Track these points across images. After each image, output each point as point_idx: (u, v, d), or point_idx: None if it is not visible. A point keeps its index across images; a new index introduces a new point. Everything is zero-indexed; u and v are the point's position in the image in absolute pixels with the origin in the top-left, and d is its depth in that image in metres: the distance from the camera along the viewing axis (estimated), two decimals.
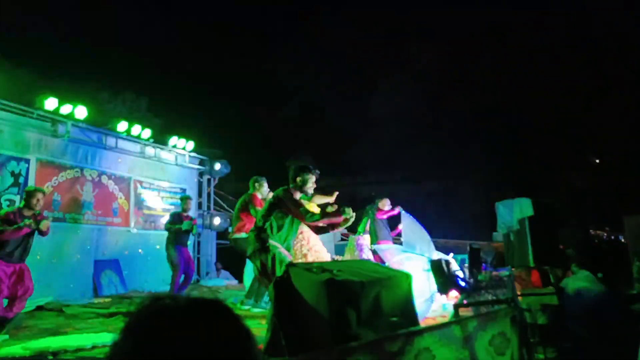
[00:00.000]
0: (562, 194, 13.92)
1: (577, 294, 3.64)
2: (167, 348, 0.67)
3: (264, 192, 6.50)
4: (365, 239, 7.85)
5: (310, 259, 5.30)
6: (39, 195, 5.25)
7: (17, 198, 6.71)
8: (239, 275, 7.85)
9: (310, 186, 4.59)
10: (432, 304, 5.41)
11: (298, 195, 4.47)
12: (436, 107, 17.26)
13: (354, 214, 4.43)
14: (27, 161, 7.02)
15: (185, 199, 7.38)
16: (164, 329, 0.70)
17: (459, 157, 17.31)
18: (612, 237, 10.37)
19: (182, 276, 6.85)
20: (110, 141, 8.53)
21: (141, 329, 0.71)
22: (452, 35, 16.44)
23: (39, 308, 6.16)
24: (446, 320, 4.37)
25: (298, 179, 4.49)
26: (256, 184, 6.55)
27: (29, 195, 5.19)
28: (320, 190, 5.94)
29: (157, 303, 0.76)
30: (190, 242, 7.42)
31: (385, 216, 8.03)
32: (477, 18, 15.19)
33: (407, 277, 3.38)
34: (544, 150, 15.58)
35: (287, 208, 4.32)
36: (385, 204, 8.06)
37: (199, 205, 10.63)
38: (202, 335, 0.69)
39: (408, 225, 6.67)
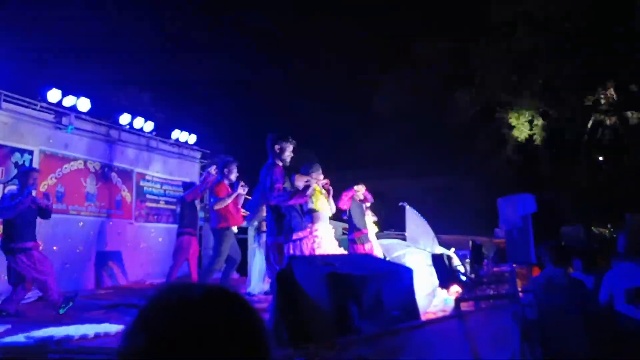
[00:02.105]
0: (565, 190, 13.88)
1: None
2: (182, 342, 0.65)
3: (232, 178, 5.91)
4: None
5: None
6: (35, 175, 5.23)
7: None
8: (240, 269, 7.87)
9: (288, 155, 4.54)
10: (434, 299, 5.41)
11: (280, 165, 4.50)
12: (439, 103, 17.23)
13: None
14: (31, 152, 7.04)
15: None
16: (179, 321, 0.67)
17: (462, 153, 17.28)
18: (615, 235, 10.35)
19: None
20: (113, 134, 8.54)
21: (155, 322, 0.68)
22: (454, 31, 16.38)
23: (41, 298, 6.19)
24: (448, 314, 4.38)
25: (276, 147, 4.47)
26: (225, 170, 5.89)
27: (24, 176, 5.12)
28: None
29: (170, 293, 0.72)
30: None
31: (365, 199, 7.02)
32: (480, 14, 15.14)
33: (408, 271, 3.40)
34: (547, 146, 15.54)
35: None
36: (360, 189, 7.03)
37: (201, 199, 10.66)
38: (218, 326, 0.67)
39: (412, 219, 6.65)
